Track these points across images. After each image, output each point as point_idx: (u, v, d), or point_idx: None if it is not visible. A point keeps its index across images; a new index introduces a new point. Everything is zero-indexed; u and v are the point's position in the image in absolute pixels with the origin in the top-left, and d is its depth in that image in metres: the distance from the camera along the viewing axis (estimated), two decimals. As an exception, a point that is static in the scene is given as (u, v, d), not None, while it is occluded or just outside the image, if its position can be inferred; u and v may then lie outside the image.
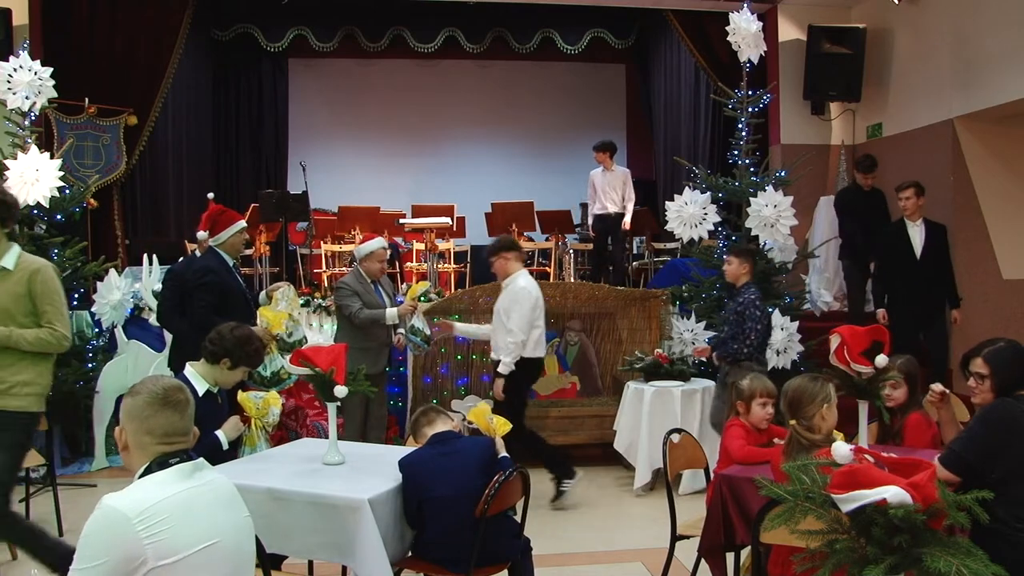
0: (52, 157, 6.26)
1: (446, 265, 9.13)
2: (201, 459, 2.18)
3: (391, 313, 5.44)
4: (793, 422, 3.07)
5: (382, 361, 5.57)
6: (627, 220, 8.93)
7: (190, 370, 3.65)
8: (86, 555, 1.92)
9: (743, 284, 5.48)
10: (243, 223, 4.99)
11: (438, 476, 3.21)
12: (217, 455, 3.45)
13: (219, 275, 4.77)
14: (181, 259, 5.76)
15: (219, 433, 3.56)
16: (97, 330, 6.72)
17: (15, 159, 6.11)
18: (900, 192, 6.41)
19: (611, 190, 8.88)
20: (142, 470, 2.10)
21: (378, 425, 5.60)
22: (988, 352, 3.10)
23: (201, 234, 5.38)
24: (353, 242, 8.41)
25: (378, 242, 5.70)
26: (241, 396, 3.90)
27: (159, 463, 2.09)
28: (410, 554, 3.31)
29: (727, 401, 4.67)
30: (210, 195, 7.54)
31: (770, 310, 5.80)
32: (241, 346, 3.66)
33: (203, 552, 2.03)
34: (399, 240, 9.35)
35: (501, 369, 5.26)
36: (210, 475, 2.18)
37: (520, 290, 5.33)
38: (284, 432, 6.12)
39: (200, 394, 3.54)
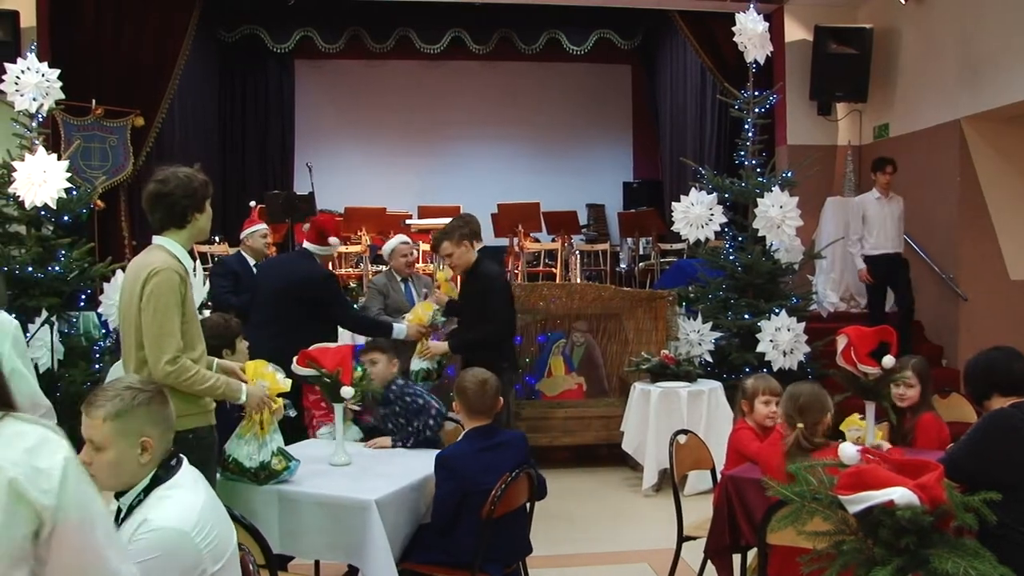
0: (59, 159, 6.27)
1: (452, 266, 9.11)
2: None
3: (399, 329, 5.03)
4: (800, 425, 3.11)
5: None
6: None
7: None
8: None
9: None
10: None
11: (482, 471, 3.18)
12: None
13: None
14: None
15: None
16: (104, 331, 6.73)
17: (23, 160, 6.13)
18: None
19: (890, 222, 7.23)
20: (151, 476, 2.02)
21: None
22: (968, 362, 3.14)
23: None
24: (359, 243, 8.44)
25: (397, 239, 5.80)
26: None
27: (164, 466, 2.04)
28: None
29: None
30: (252, 203, 7.75)
31: None
32: None
33: (235, 548, 2.04)
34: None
35: None
36: (193, 467, 2.12)
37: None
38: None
39: None
